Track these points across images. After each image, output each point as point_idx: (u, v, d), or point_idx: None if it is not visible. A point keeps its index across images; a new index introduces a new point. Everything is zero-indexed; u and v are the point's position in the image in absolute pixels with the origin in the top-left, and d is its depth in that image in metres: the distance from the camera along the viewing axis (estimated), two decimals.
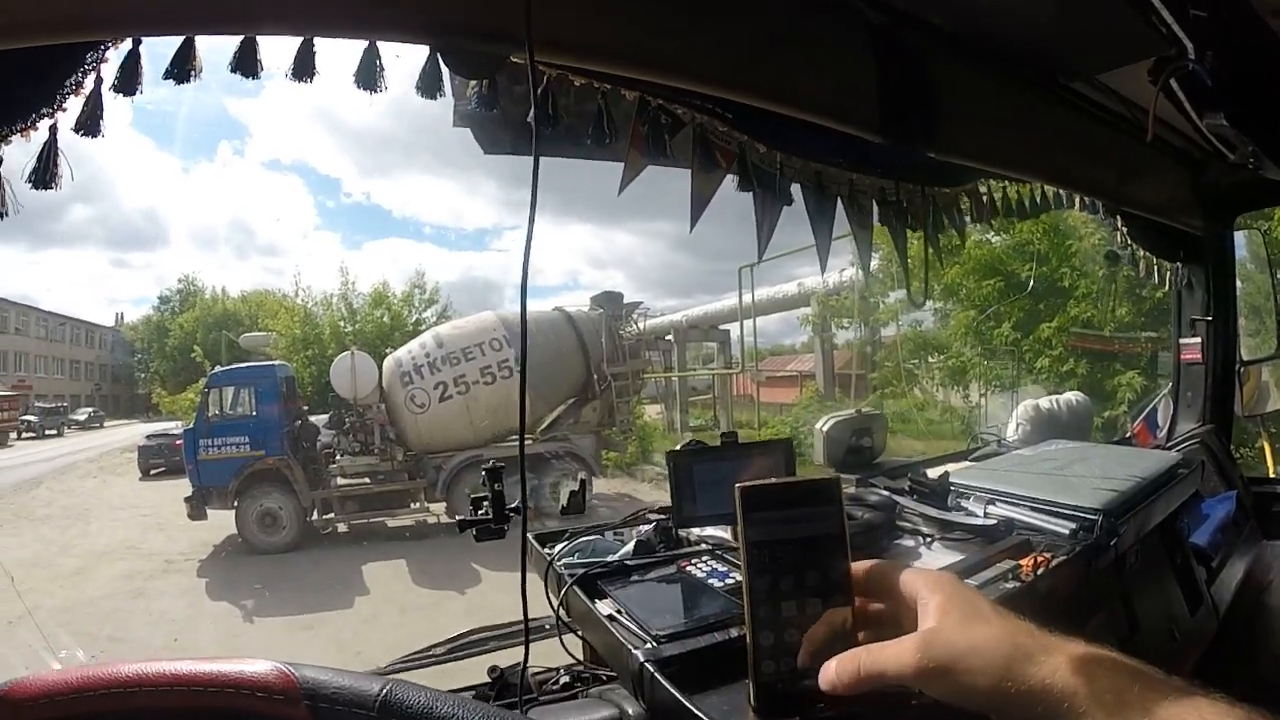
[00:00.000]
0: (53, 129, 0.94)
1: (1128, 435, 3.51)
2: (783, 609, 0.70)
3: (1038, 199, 2.34)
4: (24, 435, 30.26)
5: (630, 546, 1.29)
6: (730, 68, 1.29)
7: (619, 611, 1.06)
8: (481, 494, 1.15)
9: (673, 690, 0.85)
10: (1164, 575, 1.80)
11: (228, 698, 0.69)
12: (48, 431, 31.75)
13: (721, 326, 21.80)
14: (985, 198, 2.24)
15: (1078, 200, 2.44)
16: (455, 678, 1.24)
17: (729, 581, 1.13)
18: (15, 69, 0.89)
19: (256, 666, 0.71)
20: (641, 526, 1.39)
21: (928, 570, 0.73)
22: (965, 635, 0.62)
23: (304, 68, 1.03)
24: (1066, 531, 1.45)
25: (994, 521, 1.46)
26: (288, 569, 10.70)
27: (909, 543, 1.43)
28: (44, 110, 0.93)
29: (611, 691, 1.01)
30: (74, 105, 0.95)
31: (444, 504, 12.56)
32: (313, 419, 13.47)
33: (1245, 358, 2.86)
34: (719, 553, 1.26)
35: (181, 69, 0.99)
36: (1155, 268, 2.87)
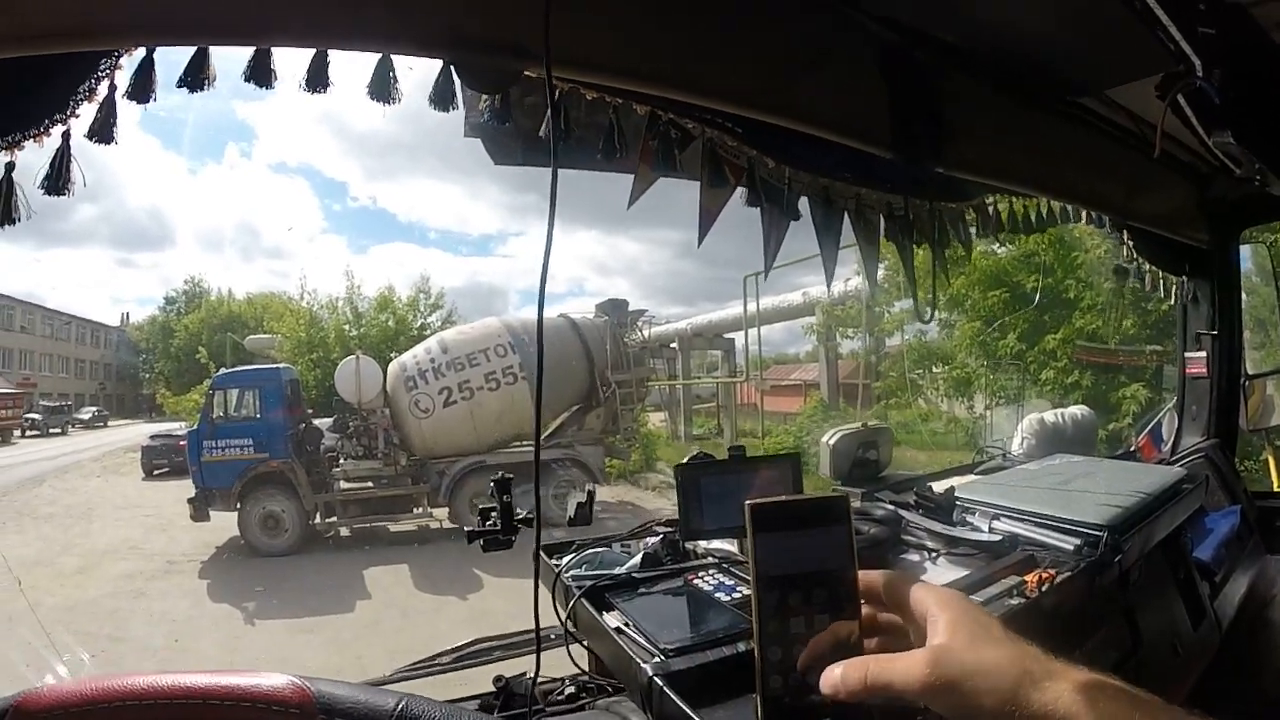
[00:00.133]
0: (65, 135, 0.95)
1: (1132, 449, 3.50)
2: (791, 625, 0.70)
3: (1044, 214, 2.35)
4: (28, 433, 30.30)
5: (638, 559, 1.30)
6: (742, 85, 1.30)
7: (627, 624, 1.06)
8: (490, 505, 1.15)
9: (682, 704, 0.86)
10: (1167, 591, 1.80)
11: (243, 711, 0.69)
12: (51, 430, 31.77)
13: (726, 335, 21.76)
14: (992, 212, 2.25)
15: (1084, 215, 2.44)
16: (459, 688, 1.25)
17: (736, 595, 1.13)
18: (30, 75, 0.90)
19: (272, 680, 0.71)
20: (649, 539, 1.40)
21: (938, 586, 0.73)
22: (975, 655, 0.63)
23: (318, 78, 1.04)
24: (1071, 548, 1.45)
25: (999, 537, 1.47)
26: (289, 572, 10.69)
27: (914, 558, 1.43)
28: (57, 116, 0.94)
29: (619, 704, 1.02)
30: (87, 111, 0.95)
31: (447, 509, 12.56)
32: (317, 422, 13.45)
33: (1250, 371, 2.86)
34: (726, 566, 1.26)
35: (195, 77, 1.00)
36: (1161, 281, 2.87)
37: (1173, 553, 1.86)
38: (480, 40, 1.05)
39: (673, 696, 0.87)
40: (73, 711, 0.68)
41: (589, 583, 1.19)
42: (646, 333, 16.13)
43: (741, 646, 0.94)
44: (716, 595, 1.15)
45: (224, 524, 11.96)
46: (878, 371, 17.40)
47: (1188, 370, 2.87)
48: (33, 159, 0.94)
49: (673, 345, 20.55)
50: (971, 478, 2.04)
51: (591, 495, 1.42)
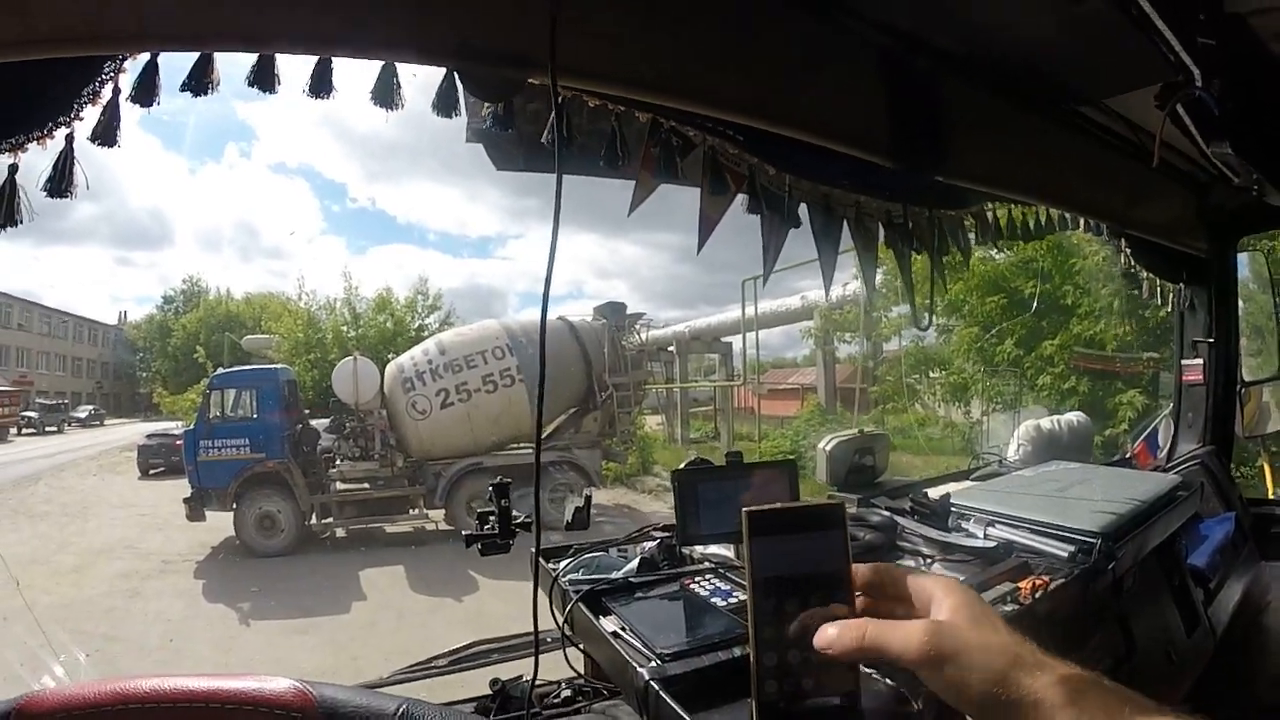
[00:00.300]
0: (69, 138, 0.95)
1: (1128, 455, 3.51)
2: (786, 631, 0.71)
3: (1043, 221, 2.36)
4: (24, 431, 30.29)
5: (634, 564, 1.30)
6: (743, 93, 1.31)
7: (623, 629, 1.07)
8: (488, 509, 1.16)
9: (677, 709, 0.86)
10: (1162, 597, 1.81)
11: (245, 715, 0.69)
12: (48, 428, 31.77)
13: (724, 338, 21.78)
14: (991, 219, 2.25)
15: (1082, 222, 2.45)
16: (456, 690, 1.25)
17: (731, 601, 1.13)
18: (35, 78, 0.90)
19: (274, 684, 0.72)
20: (645, 543, 1.40)
21: (941, 575, 0.74)
22: (974, 634, 0.64)
23: (321, 85, 1.04)
24: (1065, 554, 1.46)
25: (994, 544, 1.47)
26: (285, 572, 10.64)
27: (909, 563, 1.44)
28: (61, 119, 0.94)
29: (615, 708, 1.02)
30: (90, 114, 0.95)
31: (443, 511, 12.54)
32: (314, 423, 13.42)
33: (1246, 378, 2.87)
34: (722, 571, 1.27)
35: (199, 82, 1.00)
36: (1158, 288, 2.88)
37: (1167, 559, 1.87)
38: (486, 50, 1.05)
39: (668, 701, 0.88)
40: (75, 714, 0.68)
41: (586, 587, 1.20)
42: (644, 336, 16.14)
43: (737, 651, 0.94)
44: (713, 600, 1.16)
45: (220, 524, 11.93)
46: (875, 376, 17.40)
47: (1184, 377, 2.88)
48: (34, 160, 0.95)
49: (670, 348, 20.53)
50: (967, 484, 2.05)
51: (589, 500, 1.42)
